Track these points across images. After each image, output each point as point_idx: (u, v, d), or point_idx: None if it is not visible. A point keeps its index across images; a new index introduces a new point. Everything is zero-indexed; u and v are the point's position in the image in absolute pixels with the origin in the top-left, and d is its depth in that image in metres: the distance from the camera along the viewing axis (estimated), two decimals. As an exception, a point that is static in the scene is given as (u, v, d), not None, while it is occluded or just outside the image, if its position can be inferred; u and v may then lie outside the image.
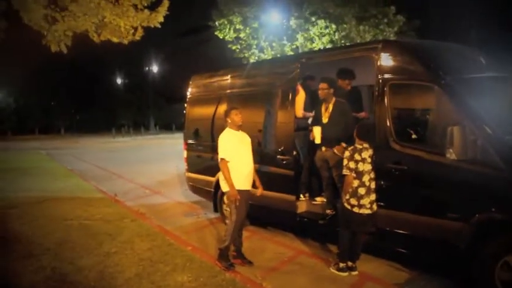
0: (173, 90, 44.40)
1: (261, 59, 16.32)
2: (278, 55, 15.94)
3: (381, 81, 5.48)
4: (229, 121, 6.05)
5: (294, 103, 6.75)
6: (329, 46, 15.36)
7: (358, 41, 14.98)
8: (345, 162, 5.41)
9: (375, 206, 5.37)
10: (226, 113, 6.13)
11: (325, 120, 6.45)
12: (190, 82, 9.43)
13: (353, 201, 5.37)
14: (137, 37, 8.97)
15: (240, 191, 5.87)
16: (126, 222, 8.22)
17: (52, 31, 7.98)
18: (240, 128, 6.08)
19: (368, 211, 5.33)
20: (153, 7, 8.64)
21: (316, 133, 6.42)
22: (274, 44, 16.25)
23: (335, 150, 6.23)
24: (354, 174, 5.34)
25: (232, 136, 6.02)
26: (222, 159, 5.90)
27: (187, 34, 47.18)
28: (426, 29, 18.11)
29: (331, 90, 6.41)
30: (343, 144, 6.11)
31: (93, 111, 54.98)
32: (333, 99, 6.44)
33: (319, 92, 6.44)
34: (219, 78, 8.65)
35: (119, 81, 59.03)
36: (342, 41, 15.40)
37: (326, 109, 6.47)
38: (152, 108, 55.47)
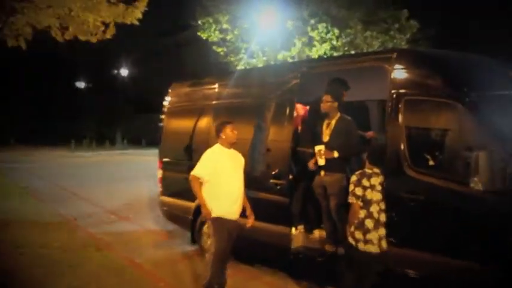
0: (146, 98, 44.33)
1: (250, 65, 16.33)
2: (271, 62, 15.97)
3: (394, 96, 5.50)
4: (223, 137, 6.02)
5: (292, 118, 6.75)
6: (331, 53, 15.46)
7: (364, 49, 15.11)
8: (351, 188, 5.39)
9: (384, 243, 5.33)
10: (219, 128, 6.10)
11: (325, 138, 6.47)
12: (170, 90, 9.45)
13: (358, 235, 5.33)
14: (108, 35, 8.95)
15: (223, 220, 5.81)
16: (89, 252, 8.12)
17: (9, 23, 7.92)
18: (232, 146, 6.07)
19: (375, 248, 5.29)
20: (129, 1, 8.64)
21: (320, 153, 6.36)
22: (266, 49, 16.30)
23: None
24: (360, 203, 5.32)
25: (222, 154, 5.99)
26: (193, 176, 5.87)
27: (164, 34, 47.35)
28: (443, 38, 18.35)
29: (336, 104, 6.43)
30: (335, 154, 6.20)
31: (50, 119, 54.44)
32: (337, 114, 6.46)
33: (322, 105, 6.48)
34: (204, 86, 8.69)
35: (81, 85, 58.68)
36: (345, 48, 15.52)
37: (328, 126, 6.49)
38: (120, 118, 55.16)
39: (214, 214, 5.80)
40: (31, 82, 50.73)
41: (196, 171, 5.90)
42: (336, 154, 6.26)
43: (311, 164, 6.49)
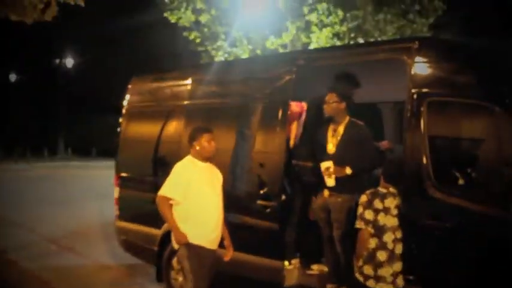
0: (98, 97, 44.08)
1: (232, 56, 16.36)
2: (258, 52, 16.00)
3: (415, 97, 5.55)
4: (198, 148, 6.04)
5: (285, 124, 6.79)
6: (333, 42, 15.50)
7: (376, 36, 15.17)
8: (360, 210, 5.45)
9: (400, 281, 5.38)
10: (193, 136, 6.11)
11: (331, 149, 6.50)
12: (129, 86, 9.45)
13: (367, 270, 5.39)
14: (48, 17, 8.93)
15: (200, 249, 5.84)
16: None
17: None
18: (208, 160, 6.11)
19: (390, 287, 5.35)
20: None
21: (328, 171, 6.35)
22: (252, 35, 16.32)
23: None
24: (371, 230, 5.37)
25: (196, 169, 6.01)
26: (161, 196, 5.90)
27: (121, 15, 47.11)
28: (476, 23, 18.40)
29: (343, 105, 6.47)
30: (348, 171, 6.19)
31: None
32: (346, 118, 6.50)
33: (325, 106, 6.53)
34: (173, 82, 8.71)
35: (12, 77, 58.07)
36: (352, 35, 15.58)
37: (334, 133, 6.52)
38: (63, 121, 54.77)
39: (193, 242, 5.82)
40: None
41: (166, 190, 5.90)
42: (348, 171, 6.25)
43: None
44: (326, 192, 6.46)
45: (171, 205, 5.89)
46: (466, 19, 18.12)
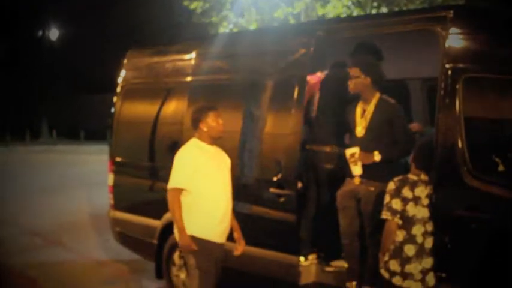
0: (87, 73, 44.08)
1: (238, 27, 16.34)
2: (267, 23, 15.98)
3: (449, 72, 5.51)
4: (204, 129, 6.03)
5: (301, 103, 6.78)
6: (351, 13, 15.47)
7: (402, 5, 15.12)
8: (387, 199, 5.45)
9: (430, 279, 5.40)
10: (198, 116, 6.10)
11: (360, 131, 6.45)
12: (125, 61, 9.45)
13: (394, 265, 5.40)
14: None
15: (206, 243, 5.87)
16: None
17: None
18: (215, 142, 6.13)
19: (418, 286, 5.37)
20: None
21: (353, 157, 6.30)
22: (260, 4, 16.29)
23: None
24: (398, 221, 5.38)
25: (202, 153, 6.03)
26: (172, 189, 5.92)
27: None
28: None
29: (368, 80, 6.38)
30: (376, 157, 6.17)
31: None
32: (375, 95, 6.43)
33: (349, 83, 6.48)
34: (174, 56, 8.70)
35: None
36: (375, 4, 15.55)
37: (363, 113, 6.49)
38: (47, 101, 54.80)
39: (198, 236, 5.84)
40: None
41: (176, 181, 5.92)
42: (376, 157, 6.21)
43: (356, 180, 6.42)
44: (357, 180, 6.37)
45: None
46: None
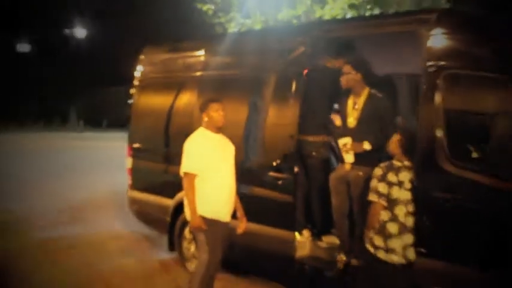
0: (110, 67, 44.08)
1: (245, 27, 16.30)
2: (271, 23, 15.94)
3: (431, 69, 5.52)
4: (206, 119, 6.10)
5: (299, 96, 6.79)
6: (350, 14, 15.41)
7: (394, 8, 15.05)
8: (374, 183, 5.47)
9: (410, 253, 5.41)
10: (202, 107, 6.18)
11: (352, 122, 6.48)
12: (142, 57, 9.44)
13: (378, 241, 5.42)
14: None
15: (214, 222, 5.92)
16: (36, 262, 8.12)
17: None
18: (219, 130, 6.15)
19: (400, 259, 5.38)
20: None
21: (346, 147, 6.38)
22: (266, 6, 16.24)
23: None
24: (383, 202, 5.40)
25: (207, 141, 6.07)
26: (185, 173, 5.97)
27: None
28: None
29: (359, 76, 6.41)
30: (367, 146, 6.23)
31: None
32: (365, 89, 6.45)
33: (342, 79, 6.49)
34: (186, 53, 8.70)
35: (24, 48, 58.01)
36: (368, 7, 15.48)
37: (354, 105, 6.50)
38: (75, 92, 54.77)
39: (206, 216, 5.90)
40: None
41: (188, 166, 5.97)
42: (367, 146, 6.25)
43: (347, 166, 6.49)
44: (348, 165, 6.44)
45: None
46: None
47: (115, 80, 39.69)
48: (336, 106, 7.13)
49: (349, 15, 15.00)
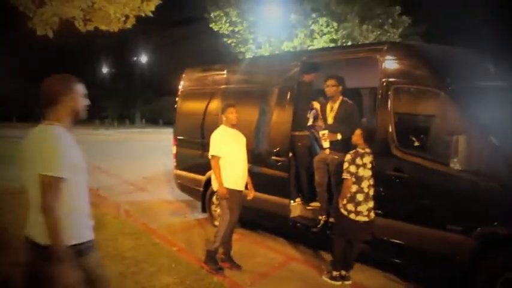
0: (162, 83, 44.20)
1: (258, 55, 16.27)
2: (276, 52, 15.90)
3: (384, 84, 5.52)
4: (224, 118, 6.12)
5: (292, 102, 6.76)
6: (331, 45, 15.35)
7: (361, 41, 15.01)
8: (346, 165, 5.46)
9: (372, 214, 5.42)
10: (222, 110, 6.23)
11: (330, 120, 6.47)
12: (184, 75, 9.43)
13: (350, 207, 5.41)
14: (128, 25, 8.97)
15: (233, 191, 5.93)
16: (108, 219, 8.16)
17: (39, 14, 7.95)
18: (234, 126, 6.14)
19: (365, 218, 5.38)
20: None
21: (324, 136, 6.41)
22: (272, 40, 16.22)
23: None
24: (353, 179, 5.38)
25: (226, 134, 6.09)
26: (212, 156, 5.99)
27: (179, 24, 46.90)
28: (433, 33, 18.30)
29: (340, 88, 6.40)
30: (339, 136, 6.23)
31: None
32: (340, 98, 6.43)
33: (327, 89, 6.43)
34: (214, 72, 8.68)
35: (104, 70, 58.45)
36: (344, 40, 15.42)
37: (331, 108, 6.48)
38: (139, 100, 55.12)
39: (228, 187, 5.92)
40: (59, 67, 49.77)
41: (214, 151, 6.00)
42: (339, 136, 6.25)
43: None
44: (327, 151, 6.42)
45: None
46: (425, 30, 18.21)
47: (167, 92, 39.65)
48: (312, 107, 7.25)
49: (330, 46, 15.00)
